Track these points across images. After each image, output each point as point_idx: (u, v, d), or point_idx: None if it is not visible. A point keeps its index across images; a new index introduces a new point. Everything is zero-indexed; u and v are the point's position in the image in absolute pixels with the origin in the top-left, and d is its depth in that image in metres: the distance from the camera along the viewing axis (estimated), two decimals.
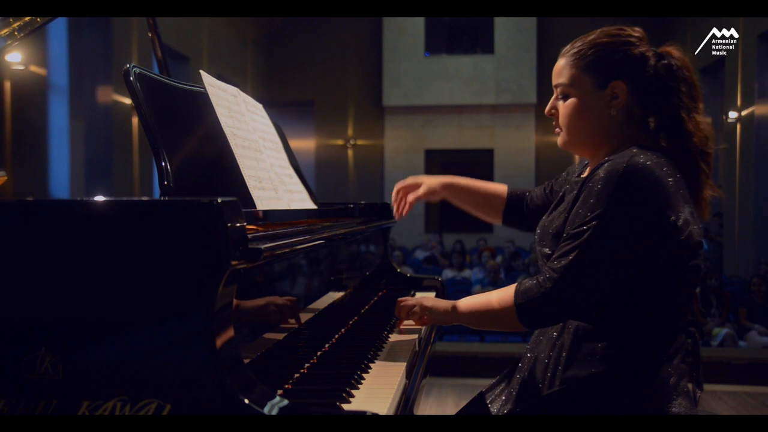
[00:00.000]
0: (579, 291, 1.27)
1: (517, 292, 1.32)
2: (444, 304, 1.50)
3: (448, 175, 1.79)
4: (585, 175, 1.42)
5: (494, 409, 1.47)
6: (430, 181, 1.78)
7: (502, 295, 1.36)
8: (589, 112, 1.39)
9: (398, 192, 1.82)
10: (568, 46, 1.43)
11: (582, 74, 1.38)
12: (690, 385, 1.34)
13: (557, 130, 1.46)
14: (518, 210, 1.75)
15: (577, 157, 1.63)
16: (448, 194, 1.79)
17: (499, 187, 1.79)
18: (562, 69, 1.42)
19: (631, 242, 1.24)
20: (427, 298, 1.57)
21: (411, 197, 1.79)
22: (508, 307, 1.33)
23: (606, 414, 1.26)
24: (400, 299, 1.62)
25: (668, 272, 1.28)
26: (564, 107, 1.42)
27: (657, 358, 1.30)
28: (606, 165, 1.28)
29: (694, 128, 1.35)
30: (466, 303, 1.46)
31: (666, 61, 1.37)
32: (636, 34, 1.39)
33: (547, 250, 1.39)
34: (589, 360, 1.32)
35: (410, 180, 1.82)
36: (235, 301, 0.97)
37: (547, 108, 1.46)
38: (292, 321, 1.39)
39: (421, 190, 1.78)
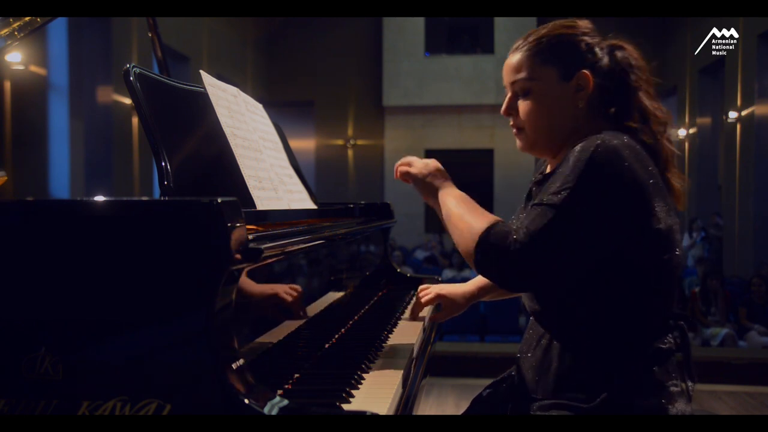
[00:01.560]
0: (543, 255, 1.16)
1: (487, 228, 1.21)
2: (435, 181, 1.43)
3: (470, 283, 1.81)
4: (549, 170, 1.37)
5: (494, 409, 1.47)
6: (459, 299, 1.82)
7: (478, 224, 1.23)
8: (555, 107, 1.32)
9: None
10: (519, 41, 1.36)
11: (544, 67, 1.32)
12: (683, 385, 1.32)
13: (515, 131, 1.39)
14: None
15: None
16: (477, 300, 1.83)
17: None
18: (518, 64, 1.34)
19: (602, 220, 1.17)
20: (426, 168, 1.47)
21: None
22: (473, 237, 1.22)
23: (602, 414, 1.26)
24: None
25: (645, 264, 1.23)
26: (525, 105, 1.34)
27: (645, 349, 1.27)
28: (578, 146, 1.22)
29: (654, 110, 1.33)
30: (450, 199, 1.36)
31: (620, 52, 1.35)
32: (588, 26, 1.36)
33: None
34: (578, 364, 1.29)
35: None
36: (240, 294, 0.97)
37: (504, 108, 1.38)
38: (300, 314, 1.38)
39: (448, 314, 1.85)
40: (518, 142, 1.40)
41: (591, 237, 1.18)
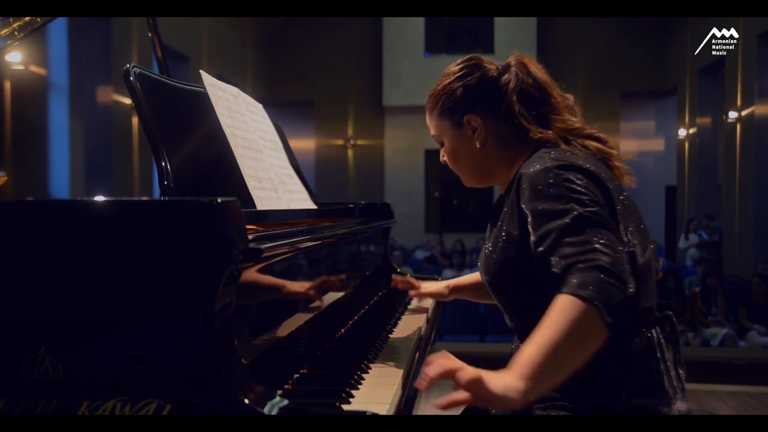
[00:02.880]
0: (623, 264, 1.08)
1: (584, 292, 1.04)
2: (508, 383, 1.02)
3: (450, 280, 1.93)
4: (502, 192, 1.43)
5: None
6: (442, 290, 1.92)
7: (560, 315, 1.04)
8: (462, 152, 1.43)
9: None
10: (427, 102, 1.46)
11: (440, 121, 1.43)
12: (675, 372, 1.30)
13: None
14: None
15: None
16: (455, 295, 1.91)
17: None
18: (429, 123, 1.47)
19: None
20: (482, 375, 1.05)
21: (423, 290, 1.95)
22: (581, 319, 1.02)
23: (601, 412, 1.26)
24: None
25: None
26: (445, 155, 1.47)
27: (634, 341, 1.25)
28: (523, 173, 1.24)
29: (571, 128, 1.35)
30: (529, 367, 1.03)
31: (506, 74, 1.39)
32: (466, 64, 1.42)
33: (488, 278, 1.36)
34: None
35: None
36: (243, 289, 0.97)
37: (441, 158, 1.50)
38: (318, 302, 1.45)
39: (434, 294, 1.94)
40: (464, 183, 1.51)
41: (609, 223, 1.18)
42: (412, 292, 1.99)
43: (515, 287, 1.32)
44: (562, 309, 1.04)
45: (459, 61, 1.44)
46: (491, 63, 1.43)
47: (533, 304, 1.18)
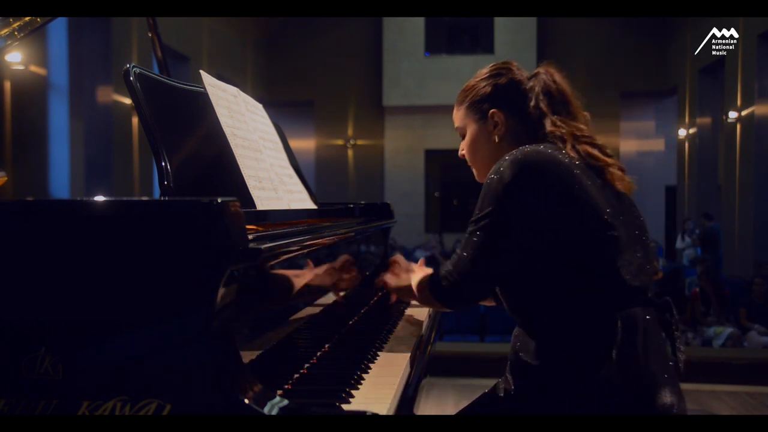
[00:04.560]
0: (482, 274, 1.37)
1: (429, 282, 1.46)
2: (407, 284, 1.65)
3: None
4: None
5: (491, 408, 1.48)
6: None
7: (420, 281, 1.52)
8: (480, 143, 1.55)
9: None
10: (458, 96, 1.60)
11: (466, 114, 1.57)
12: (665, 359, 1.32)
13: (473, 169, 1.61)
14: None
15: None
16: None
17: None
18: (455, 115, 1.60)
19: (529, 221, 1.31)
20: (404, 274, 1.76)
21: None
22: (425, 294, 1.48)
23: (591, 408, 1.27)
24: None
25: (581, 242, 1.32)
26: (464, 145, 1.60)
27: (611, 328, 1.28)
28: (496, 164, 1.39)
29: (576, 134, 1.43)
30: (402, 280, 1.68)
31: (533, 80, 1.51)
32: (500, 66, 1.56)
33: None
34: (552, 351, 1.34)
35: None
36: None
37: (459, 151, 1.62)
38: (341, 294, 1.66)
39: None
40: (476, 177, 1.61)
41: (520, 239, 1.33)
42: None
43: (512, 278, 1.40)
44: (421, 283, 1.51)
45: (492, 64, 1.59)
46: (521, 70, 1.56)
47: (529, 293, 1.38)
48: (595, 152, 1.41)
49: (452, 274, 1.38)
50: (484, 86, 1.54)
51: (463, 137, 1.59)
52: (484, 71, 1.57)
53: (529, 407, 1.36)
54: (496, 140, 1.52)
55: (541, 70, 1.54)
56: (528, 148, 1.38)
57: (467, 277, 1.37)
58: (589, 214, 1.32)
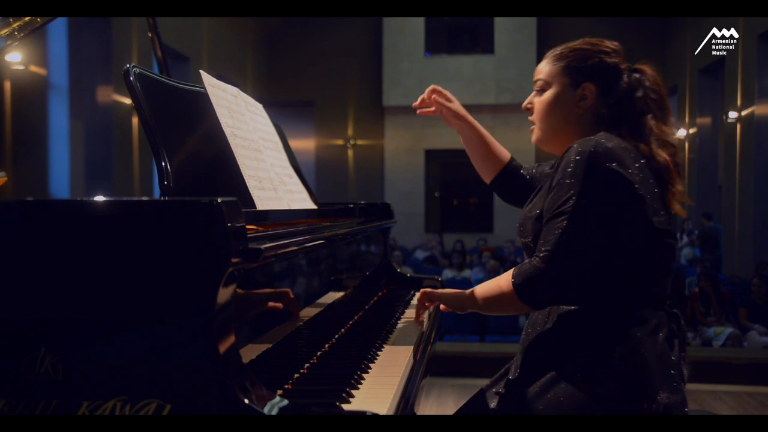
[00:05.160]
0: (570, 267, 1.34)
1: (514, 273, 1.40)
2: (461, 291, 1.59)
3: (469, 116, 1.87)
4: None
5: (492, 405, 1.48)
6: (455, 107, 1.86)
7: (506, 277, 1.43)
8: (559, 107, 1.51)
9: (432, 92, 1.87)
10: (553, 49, 1.56)
11: (559, 73, 1.52)
12: (680, 368, 1.38)
13: (532, 127, 1.58)
14: (509, 179, 1.86)
15: None
16: (459, 127, 1.87)
17: (504, 152, 1.89)
18: (543, 67, 1.55)
19: (606, 215, 1.33)
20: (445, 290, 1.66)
21: None
22: (509, 288, 1.40)
23: (594, 396, 1.29)
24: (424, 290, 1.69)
25: (640, 247, 1.36)
26: (539, 102, 1.54)
27: (638, 330, 1.35)
28: (574, 146, 1.37)
29: (665, 137, 1.44)
30: (478, 288, 1.53)
31: (638, 75, 1.50)
32: (613, 47, 1.52)
33: (528, 240, 1.46)
34: (576, 345, 1.37)
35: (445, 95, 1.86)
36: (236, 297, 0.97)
37: (525, 102, 1.58)
38: (301, 315, 1.43)
39: (446, 109, 1.87)
40: (532, 135, 1.59)
41: (601, 232, 1.34)
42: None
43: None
44: (506, 278, 1.42)
45: (604, 40, 1.54)
46: (624, 63, 1.52)
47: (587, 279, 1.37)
48: (673, 173, 1.42)
49: (544, 260, 1.34)
50: (592, 56, 1.50)
51: (540, 91, 1.54)
52: (596, 42, 1.53)
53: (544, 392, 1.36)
54: (578, 112, 1.49)
55: (646, 68, 1.52)
56: (618, 143, 1.37)
57: (560, 253, 1.33)
58: (659, 220, 1.37)
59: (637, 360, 1.32)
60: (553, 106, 1.52)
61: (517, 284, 1.38)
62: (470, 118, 1.86)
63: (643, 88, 1.47)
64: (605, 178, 1.33)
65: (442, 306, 1.66)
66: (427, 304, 1.82)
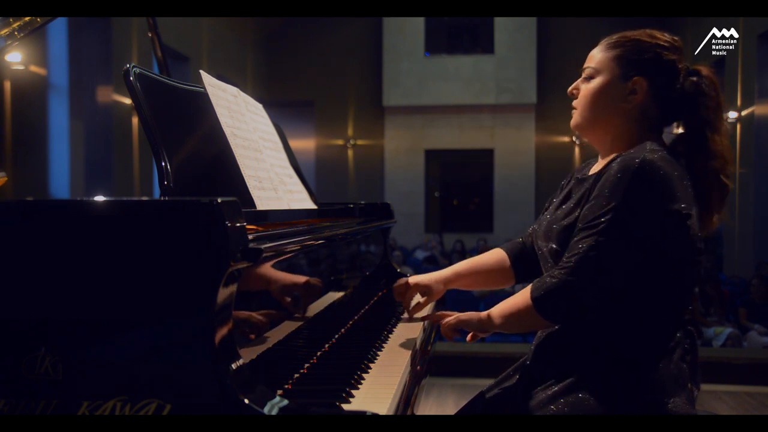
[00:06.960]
0: (595, 281, 1.29)
1: (533, 288, 1.35)
2: (479, 314, 1.51)
3: (447, 269, 1.79)
4: (594, 171, 1.45)
5: (496, 408, 1.48)
6: (435, 285, 1.77)
7: (524, 293, 1.38)
8: (604, 98, 1.43)
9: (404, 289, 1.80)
10: (609, 36, 1.47)
11: (610, 62, 1.43)
12: (689, 385, 1.34)
13: (573, 111, 1.50)
14: (526, 266, 1.73)
15: (577, 159, 1.66)
16: (455, 286, 1.79)
17: (497, 255, 1.78)
18: (595, 54, 1.46)
19: (644, 234, 1.28)
20: (464, 313, 1.57)
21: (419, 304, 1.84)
22: (527, 303, 1.35)
23: (607, 410, 1.27)
24: (440, 313, 1.61)
25: (673, 266, 1.32)
26: (585, 88, 1.46)
27: (657, 350, 1.32)
28: (620, 159, 1.32)
29: (716, 148, 1.38)
30: (497, 308, 1.46)
31: (695, 78, 1.40)
32: (673, 42, 1.43)
33: (554, 246, 1.41)
34: (592, 355, 1.34)
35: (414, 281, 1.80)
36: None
37: (571, 87, 1.50)
38: (298, 315, 1.41)
39: (429, 300, 1.81)
40: (572, 120, 1.51)
41: (634, 251, 1.28)
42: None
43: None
44: (525, 293, 1.37)
45: (667, 34, 1.44)
46: (683, 61, 1.43)
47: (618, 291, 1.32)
48: (721, 193, 1.39)
49: (567, 273, 1.29)
50: (648, 49, 1.40)
51: (588, 78, 1.46)
52: (657, 34, 1.42)
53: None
54: (626, 106, 1.41)
55: (704, 70, 1.42)
56: (663, 156, 1.32)
57: (581, 278, 1.28)
58: (694, 237, 1.32)
59: (654, 378, 1.29)
60: (598, 95, 1.43)
61: (535, 297, 1.33)
62: (449, 273, 1.77)
63: (701, 95, 1.39)
64: (647, 198, 1.28)
65: (468, 337, 1.56)
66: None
